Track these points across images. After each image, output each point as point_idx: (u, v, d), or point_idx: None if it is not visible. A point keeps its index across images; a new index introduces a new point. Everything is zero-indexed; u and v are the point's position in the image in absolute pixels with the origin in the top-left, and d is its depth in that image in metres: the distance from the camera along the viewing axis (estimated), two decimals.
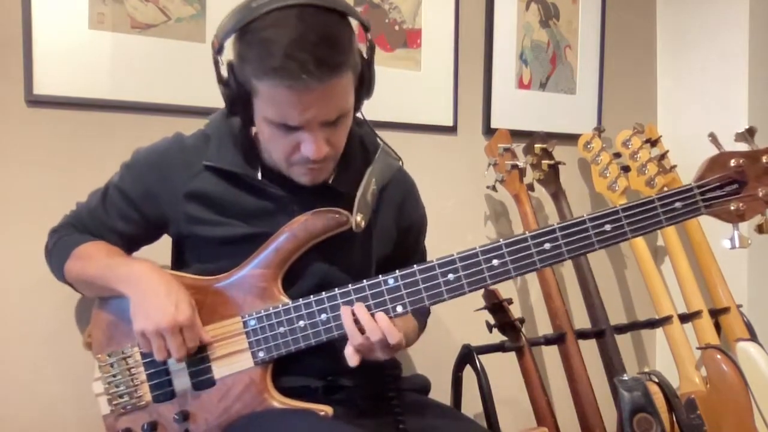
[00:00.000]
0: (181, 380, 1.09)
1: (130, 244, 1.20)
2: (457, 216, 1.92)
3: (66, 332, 1.42)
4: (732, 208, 1.04)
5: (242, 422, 1.07)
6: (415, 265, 1.05)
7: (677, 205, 1.04)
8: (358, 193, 1.12)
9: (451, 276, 1.04)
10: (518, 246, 1.04)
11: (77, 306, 1.43)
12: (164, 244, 1.22)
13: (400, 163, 1.23)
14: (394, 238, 1.22)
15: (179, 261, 1.20)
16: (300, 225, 1.09)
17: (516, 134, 1.87)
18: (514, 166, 1.82)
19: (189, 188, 1.12)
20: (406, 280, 1.05)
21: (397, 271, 1.06)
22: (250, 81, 0.98)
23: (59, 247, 1.19)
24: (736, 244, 1.07)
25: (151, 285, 1.05)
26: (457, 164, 1.92)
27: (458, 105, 1.90)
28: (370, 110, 1.70)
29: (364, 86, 1.06)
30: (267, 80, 0.95)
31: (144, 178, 1.15)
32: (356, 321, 1.03)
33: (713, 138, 1.10)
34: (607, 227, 1.04)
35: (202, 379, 1.08)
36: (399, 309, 1.05)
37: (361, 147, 1.18)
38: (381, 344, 1.02)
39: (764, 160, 1.05)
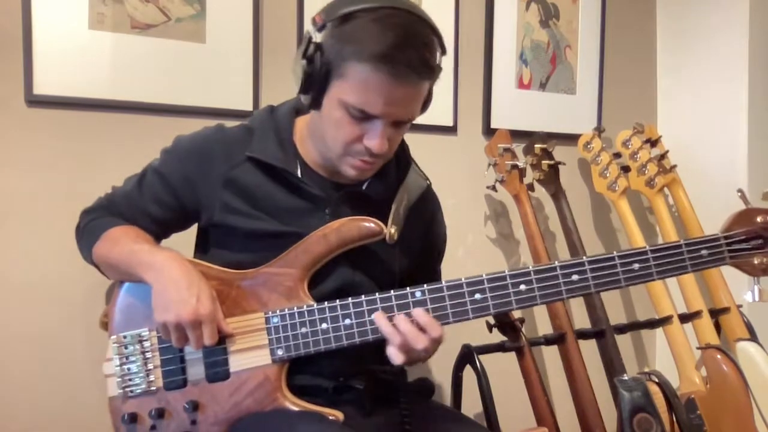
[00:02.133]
0: (195, 369, 1.09)
1: (161, 229, 1.20)
2: (457, 216, 1.91)
3: (67, 332, 1.42)
4: (755, 261, 1.09)
5: (251, 419, 1.07)
6: (443, 281, 1.07)
7: (703, 252, 1.08)
8: (394, 206, 1.14)
9: (478, 296, 1.06)
10: (546, 274, 1.06)
11: (78, 305, 1.43)
12: (187, 233, 1.22)
13: (429, 183, 1.26)
14: (416, 253, 1.23)
15: (203, 249, 1.20)
16: (334, 230, 1.09)
17: (516, 134, 1.87)
18: (514, 166, 1.82)
19: (229, 176, 1.13)
20: (433, 295, 1.06)
21: (425, 285, 1.07)
22: (344, 61, 1.00)
23: (90, 228, 1.18)
24: (757, 297, 1.12)
25: (173, 276, 1.05)
26: (457, 164, 1.92)
27: (458, 105, 1.90)
28: None
29: (427, 101, 1.11)
30: (371, 63, 0.98)
31: (185, 164, 1.16)
32: (394, 325, 1.03)
33: (742, 195, 1.15)
34: (635, 266, 1.07)
35: (216, 371, 1.08)
36: None
37: (396, 160, 1.20)
38: (426, 343, 1.02)
39: None
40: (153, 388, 1.09)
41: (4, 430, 1.38)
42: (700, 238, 1.09)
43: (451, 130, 1.90)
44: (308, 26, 1.05)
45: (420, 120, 1.81)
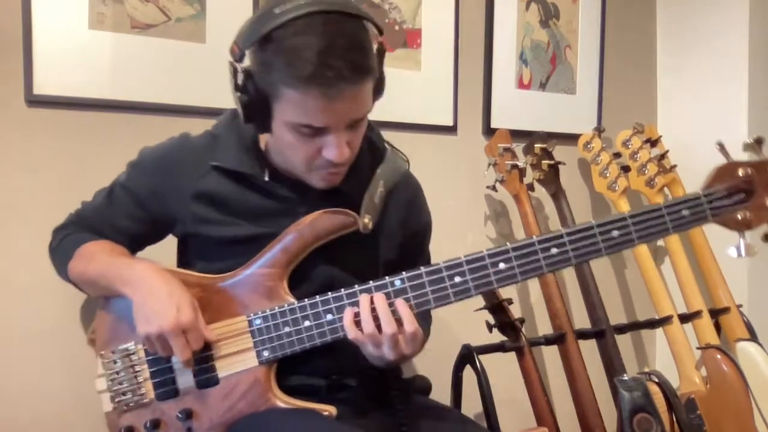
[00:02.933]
0: (185, 378, 1.09)
1: (135, 243, 1.20)
2: (457, 216, 1.92)
3: (67, 331, 1.42)
4: (739, 217, 1.05)
5: (245, 421, 1.07)
6: (422, 267, 1.05)
7: (684, 212, 1.05)
8: (366, 195, 1.12)
9: (457, 278, 1.05)
10: (526, 250, 1.04)
11: (78, 305, 1.43)
12: (168, 244, 1.22)
13: (407, 165, 1.23)
14: (399, 241, 1.21)
15: (184, 260, 1.20)
16: (307, 225, 1.09)
17: (516, 134, 1.87)
18: (514, 166, 1.82)
19: (196, 188, 1.12)
20: (413, 282, 1.05)
21: (403, 272, 1.06)
22: (276, 88, 0.98)
23: (63, 246, 1.19)
24: (743, 252, 1.08)
25: (152, 287, 1.05)
26: (457, 164, 1.92)
27: (458, 105, 1.90)
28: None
29: (379, 89, 1.07)
30: (300, 88, 0.95)
31: (151, 177, 1.15)
32: (373, 310, 1.02)
33: (721, 147, 1.10)
34: (615, 233, 1.04)
35: (206, 378, 1.08)
36: None
37: (368, 149, 1.18)
38: (409, 337, 1.01)
39: None
40: (145, 401, 1.09)
41: (5, 430, 1.38)
42: (681, 198, 1.06)
43: (451, 130, 1.90)
44: (229, 57, 1.01)
45: (420, 120, 1.84)
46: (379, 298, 1.03)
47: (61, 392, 1.42)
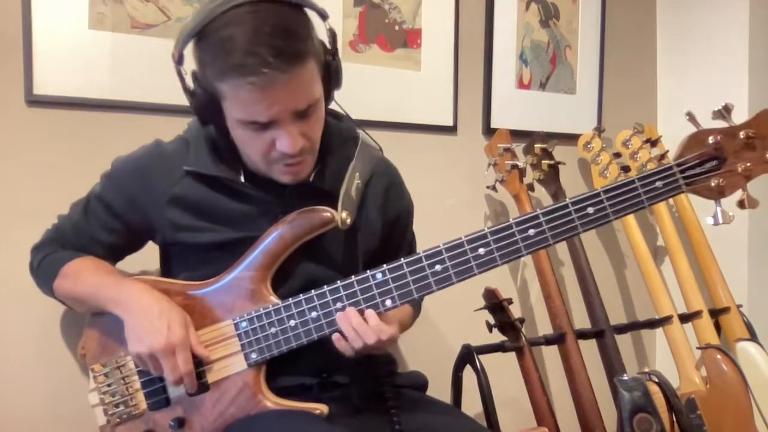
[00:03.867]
0: (176, 387, 1.09)
1: (114, 254, 1.20)
2: (457, 216, 1.91)
3: (67, 332, 1.42)
4: (712, 184, 1.05)
5: (237, 425, 1.07)
6: (402, 258, 1.05)
7: (658, 184, 1.05)
8: (342, 190, 1.12)
9: (438, 267, 1.05)
10: (503, 234, 1.05)
11: None
12: (151, 251, 1.22)
13: (381, 152, 1.22)
14: (380, 231, 1.21)
15: (167, 269, 1.20)
16: (286, 226, 1.08)
17: (516, 134, 1.87)
18: (514, 166, 1.82)
19: (171, 194, 1.11)
20: (394, 274, 1.05)
21: (384, 265, 1.06)
22: (213, 85, 0.97)
23: (45, 265, 1.18)
24: (720, 220, 1.07)
25: (142, 306, 1.05)
26: (457, 164, 1.92)
27: (458, 105, 1.90)
28: (371, 110, 1.71)
29: (332, 76, 1.06)
30: (229, 80, 0.95)
31: (125, 187, 1.14)
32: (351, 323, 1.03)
33: (691, 117, 1.11)
34: (590, 210, 1.05)
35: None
36: (388, 303, 1.05)
37: (340, 141, 1.17)
38: (376, 344, 1.03)
39: (741, 136, 1.06)
40: (138, 411, 1.10)
41: (4, 430, 1.38)
42: (653, 169, 1.05)
43: (451, 130, 1.90)
44: (172, 63, 1.01)
45: (420, 120, 1.84)
46: (352, 314, 1.03)
47: (61, 392, 1.42)
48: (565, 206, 1.05)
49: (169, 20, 1.50)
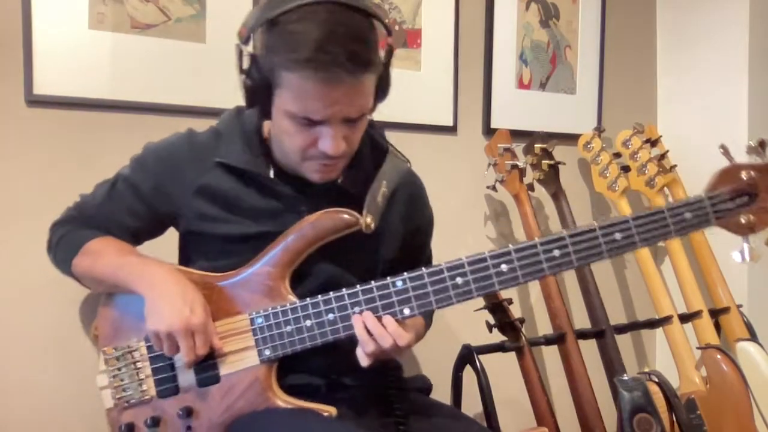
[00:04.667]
0: (186, 376, 1.09)
1: (135, 237, 1.20)
2: (457, 216, 1.91)
3: (67, 331, 1.42)
4: (742, 220, 1.05)
5: (245, 420, 1.07)
6: (423, 268, 1.05)
7: (687, 215, 1.04)
8: (369, 195, 1.12)
9: (459, 280, 1.04)
10: (527, 252, 1.04)
11: (78, 305, 1.43)
12: (168, 239, 1.22)
13: (409, 165, 1.23)
14: (401, 240, 1.21)
15: (185, 256, 1.20)
16: (309, 225, 1.08)
17: (516, 134, 1.87)
18: (514, 166, 1.82)
19: (199, 184, 1.12)
20: (415, 283, 1.05)
21: (405, 273, 1.05)
22: (276, 72, 0.98)
23: (66, 242, 1.18)
24: (746, 257, 1.07)
25: (167, 286, 1.05)
26: (457, 164, 1.92)
27: (458, 105, 1.90)
28: None
29: (382, 89, 1.07)
30: (297, 71, 0.95)
31: (155, 173, 1.15)
32: (365, 325, 1.03)
33: (725, 150, 1.10)
34: (617, 236, 1.04)
35: (207, 376, 1.08)
36: (407, 311, 1.05)
37: (371, 148, 1.18)
38: (392, 348, 1.02)
39: None
40: (147, 398, 1.09)
41: (4, 430, 1.38)
42: (684, 201, 1.05)
43: (451, 130, 1.90)
44: (236, 40, 1.01)
45: (420, 120, 1.84)
46: (369, 317, 1.03)
47: (60, 392, 1.42)
48: (593, 230, 1.04)
49: (169, 20, 1.50)
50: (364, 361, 1.04)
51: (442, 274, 1.05)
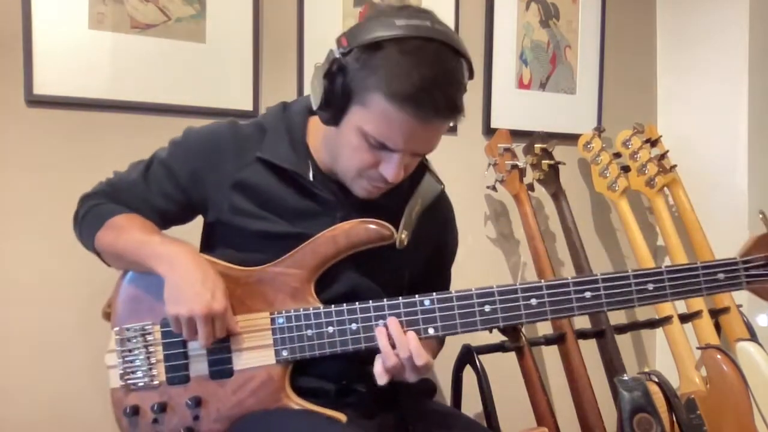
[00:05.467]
0: (199, 366, 1.08)
1: (164, 221, 1.17)
2: (457, 216, 1.91)
3: (67, 331, 1.42)
4: None
5: (254, 417, 1.06)
6: (453, 290, 1.06)
7: (720, 276, 1.06)
8: (406, 211, 1.12)
9: (487, 308, 1.05)
10: (559, 290, 1.05)
11: (78, 305, 1.43)
12: (191, 226, 1.21)
13: (443, 187, 1.24)
14: (425, 259, 1.21)
15: (209, 243, 1.18)
16: (343, 232, 1.07)
17: (516, 134, 1.87)
18: (514, 166, 1.82)
19: (238, 177, 1.11)
20: (442, 305, 1.05)
21: (434, 293, 1.06)
22: (368, 92, 0.97)
23: (92, 215, 1.15)
24: None
25: (189, 269, 1.03)
26: (457, 164, 1.92)
27: None
28: None
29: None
30: (396, 102, 0.95)
31: (194, 159, 1.13)
32: (388, 336, 1.03)
33: (764, 217, 1.12)
34: (650, 286, 1.05)
35: (220, 368, 1.07)
36: (431, 331, 1.05)
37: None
38: (409, 363, 1.02)
39: None
40: (155, 383, 1.08)
41: (4, 429, 1.38)
42: (718, 261, 1.07)
43: (451, 130, 1.90)
44: (333, 45, 1.01)
45: None
46: (394, 324, 1.04)
47: (60, 392, 1.42)
48: (627, 277, 1.05)
49: (169, 20, 1.51)
50: (381, 379, 1.03)
51: (471, 299, 1.05)
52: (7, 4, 1.36)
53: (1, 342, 1.38)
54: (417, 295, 1.06)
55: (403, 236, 1.10)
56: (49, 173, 1.42)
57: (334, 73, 0.99)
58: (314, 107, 1.03)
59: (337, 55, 0.99)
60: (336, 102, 1.00)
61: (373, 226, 1.07)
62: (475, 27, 1.94)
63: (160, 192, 1.15)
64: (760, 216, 1.13)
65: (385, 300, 1.06)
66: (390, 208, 1.12)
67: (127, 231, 1.10)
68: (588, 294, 1.05)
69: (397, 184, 1.11)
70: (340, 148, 1.06)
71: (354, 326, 1.06)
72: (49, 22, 1.38)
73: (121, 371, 1.09)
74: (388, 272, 1.15)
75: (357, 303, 1.06)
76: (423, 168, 1.20)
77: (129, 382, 1.09)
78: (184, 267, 1.04)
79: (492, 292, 1.05)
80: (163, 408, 1.07)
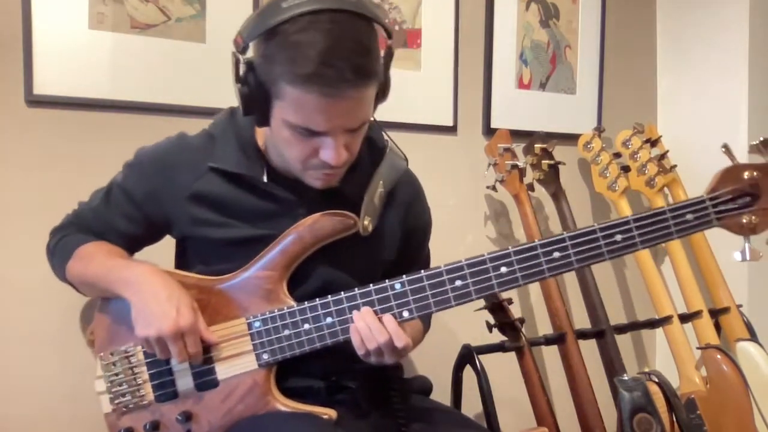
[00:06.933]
0: (185, 380, 1.09)
1: (132, 244, 1.19)
2: (457, 216, 1.92)
3: (67, 332, 1.42)
4: (744, 221, 1.04)
5: (245, 424, 1.06)
6: (422, 271, 1.05)
7: (689, 216, 1.03)
8: (366, 197, 1.12)
9: (458, 282, 1.04)
10: (527, 254, 1.03)
11: (78, 305, 1.43)
12: (166, 245, 1.22)
13: (406, 163, 1.22)
14: (399, 242, 1.21)
15: (182, 262, 1.19)
16: (307, 227, 1.08)
17: (516, 134, 1.87)
18: (514, 166, 1.82)
19: (193, 189, 1.11)
20: (413, 286, 1.05)
21: (404, 276, 1.05)
22: (276, 83, 0.96)
23: (61, 246, 1.18)
24: (747, 256, 1.06)
25: (152, 289, 1.04)
26: (457, 164, 1.92)
27: (458, 105, 1.90)
28: None
29: (382, 92, 1.05)
30: (300, 85, 0.93)
31: (147, 178, 1.14)
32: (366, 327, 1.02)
33: (727, 150, 1.09)
34: (618, 237, 1.03)
35: (205, 380, 1.08)
36: (405, 314, 1.05)
37: (368, 148, 1.17)
38: (388, 346, 1.02)
39: None
40: (145, 402, 1.09)
41: (4, 429, 1.38)
42: (685, 201, 1.04)
43: (451, 130, 1.90)
44: (232, 47, 1.00)
45: (420, 120, 1.84)
46: (367, 313, 1.03)
47: (59, 392, 1.42)
48: (593, 232, 1.03)
49: (169, 20, 1.50)
50: (361, 352, 1.03)
51: (442, 276, 1.04)
52: (7, 4, 1.36)
53: (1, 342, 1.38)
54: (387, 280, 1.05)
55: (366, 222, 1.09)
56: (49, 173, 1.42)
57: (245, 74, 0.98)
58: (242, 113, 1.02)
59: (237, 55, 0.98)
60: (256, 102, 0.99)
61: (336, 218, 1.08)
62: (475, 27, 1.94)
63: (122, 215, 1.16)
64: (723, 149, 1.09)
65: (356, 289, 1.06)
66: (351, 196, 1.11)
67: (95, 259, 1.12)
68: (557, 254, 1.03)
69: (356, 169, 1.11)
70: (279, 145, 1.05)
71: (329, 320, 1.06)
72: (49, 22, 1.38)
73: (111, 395, 1.10)
74: (360, 262, 1.14)
75: (329, 296, 1.06)
76: (382, 149, 1.18)
77: (119, 404, 1.09)
78: (148, 288, 1.04)
79: (461, 266, 1.04)
80: (155, 426, 1.08)
